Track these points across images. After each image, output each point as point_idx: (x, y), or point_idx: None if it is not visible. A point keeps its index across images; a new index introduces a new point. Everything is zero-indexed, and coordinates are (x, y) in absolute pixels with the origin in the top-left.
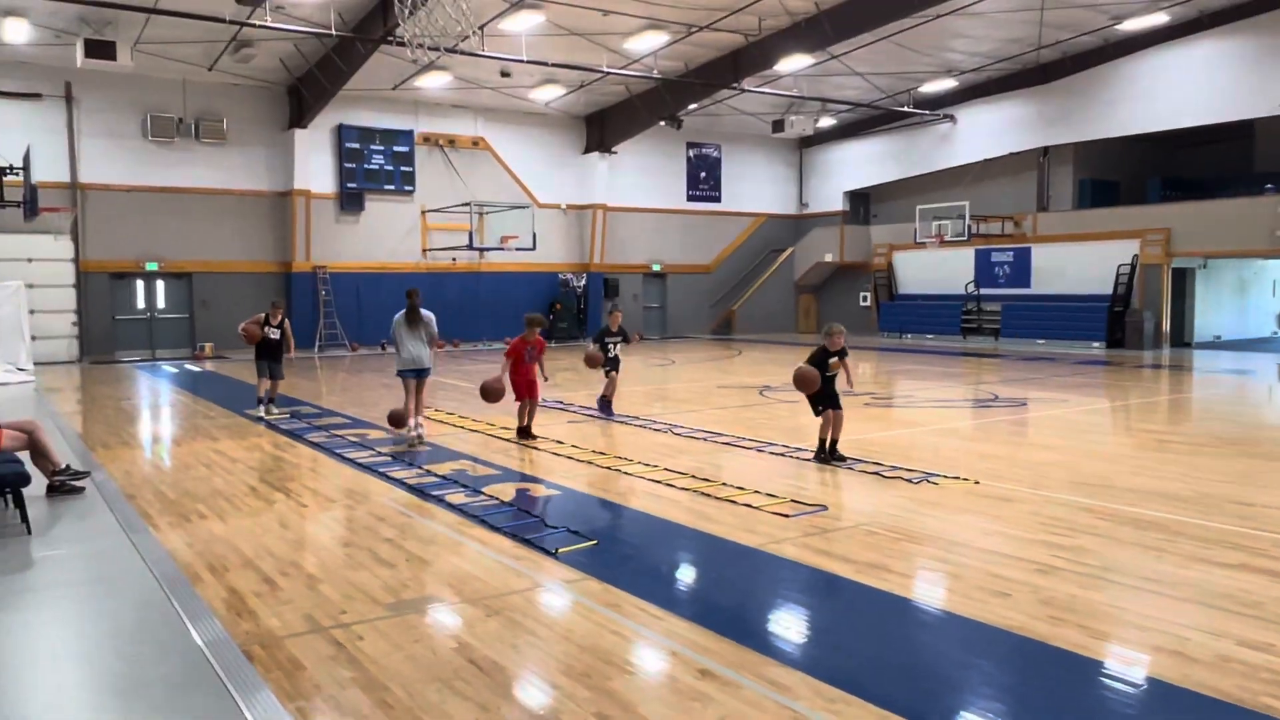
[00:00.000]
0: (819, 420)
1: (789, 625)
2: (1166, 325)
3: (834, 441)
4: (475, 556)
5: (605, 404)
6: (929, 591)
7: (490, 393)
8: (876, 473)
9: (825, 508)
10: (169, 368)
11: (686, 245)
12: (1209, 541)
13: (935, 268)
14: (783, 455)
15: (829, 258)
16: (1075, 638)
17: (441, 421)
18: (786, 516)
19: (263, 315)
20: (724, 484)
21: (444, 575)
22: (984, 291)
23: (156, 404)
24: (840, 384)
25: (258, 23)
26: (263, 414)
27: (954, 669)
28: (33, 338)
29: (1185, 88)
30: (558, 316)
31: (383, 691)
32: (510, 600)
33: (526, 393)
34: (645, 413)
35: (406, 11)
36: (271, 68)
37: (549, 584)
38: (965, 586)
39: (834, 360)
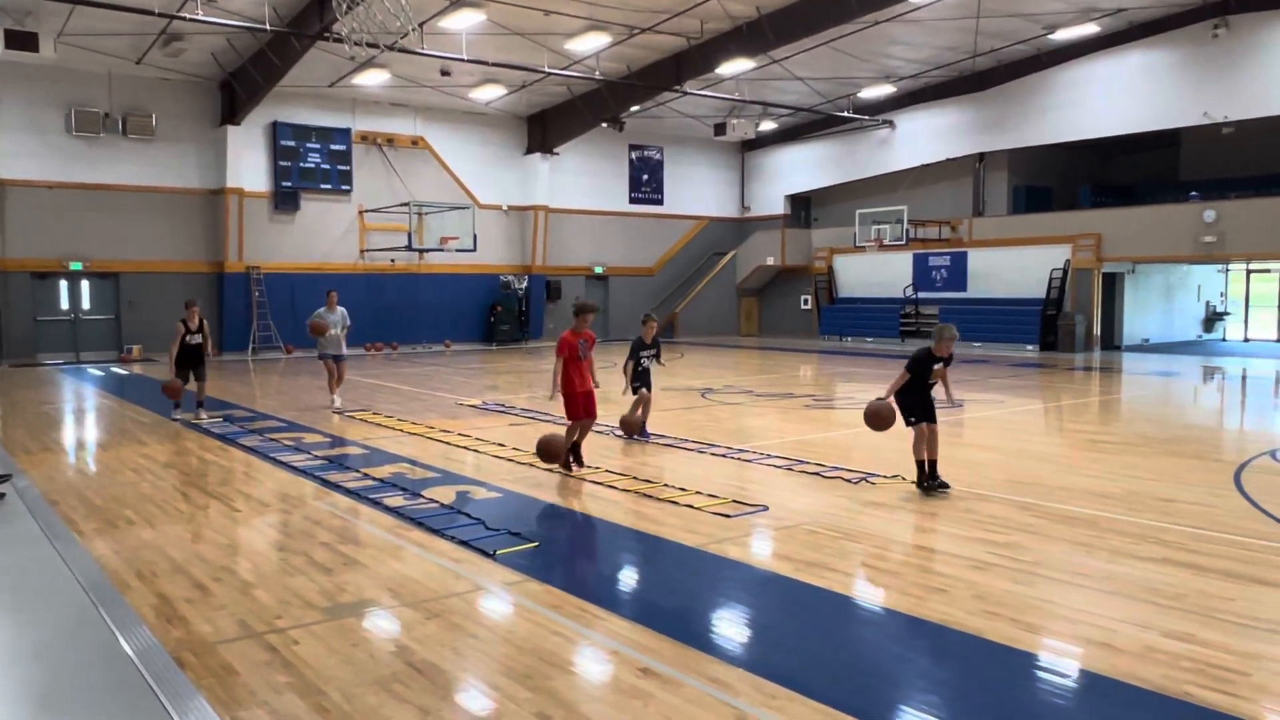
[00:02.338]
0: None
1: (730, 624)
2: (1097, 328)
3: (933, 462)
4: (414, 560)
5: (639, 426)
6: (868, 589)
7: (550, 452)
8: (817, 473)
9: (766, 508)
10: (95, 371)
11: (629, 248)
12: (1135, 537)
13: (875, 271)
14: (724, 456)
15: (770, 261)
16: (1009, 631)
17: (379, 425)
18: (728, 517)
19: (180, 325)
20: (666, 485)
21: (382, 579)
22: (922, 295)
23: (81, 408)
24: (938, 394)
25: (188, 16)
26: (178, 417)
27: (892, 663)
28: None
29: (1114, 97)
30: (498, 319)
31: (319, 696)
32: (450, 603)
33: (584, 412)
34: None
35: (344, 7)
36: (203, 62)
37: (489, 586)
38: (903, 583)
39: (937, 367)
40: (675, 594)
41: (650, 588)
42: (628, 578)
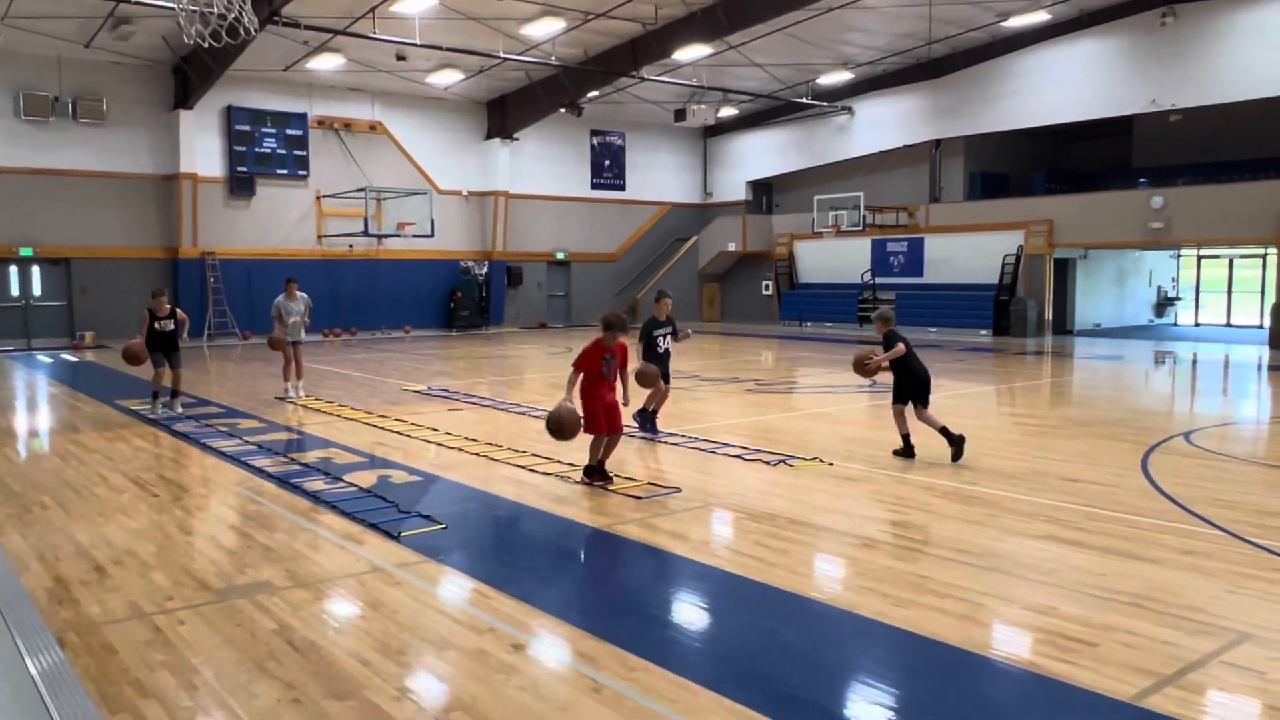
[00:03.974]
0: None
1: (609, 601)
2: (1049, 313)
3: (941, 429)
4: (318, 542)
5: (649, 418)
6: (752, 566)
7: (564, 426)
8: (739, 456)
9: (679, 490)
10: (44, 358)
11: (591, 233)
12: (1028, 515)
13: (834, 257)
14: (650, 440)
15: (732, 247)
16: (877, 605)
17: (318, 410)
18: (639, 498)
19: (146, 314)
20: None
21: (283, 561)
22: (879, 281)
23: (24, 395)
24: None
25: None
26: (159, 410)
27: (754, 637)
28: None
29: (1067, 84)
30: (458, 305)
31: (192, 674)
32: (343, 583)
33: (606, 426)
34: (527, 400)
35: None
36: (153, 45)
37: (387, 567)
38: (789, 561)
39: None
40: (566, 573)
41: (543, 568)
42: (523, 559)
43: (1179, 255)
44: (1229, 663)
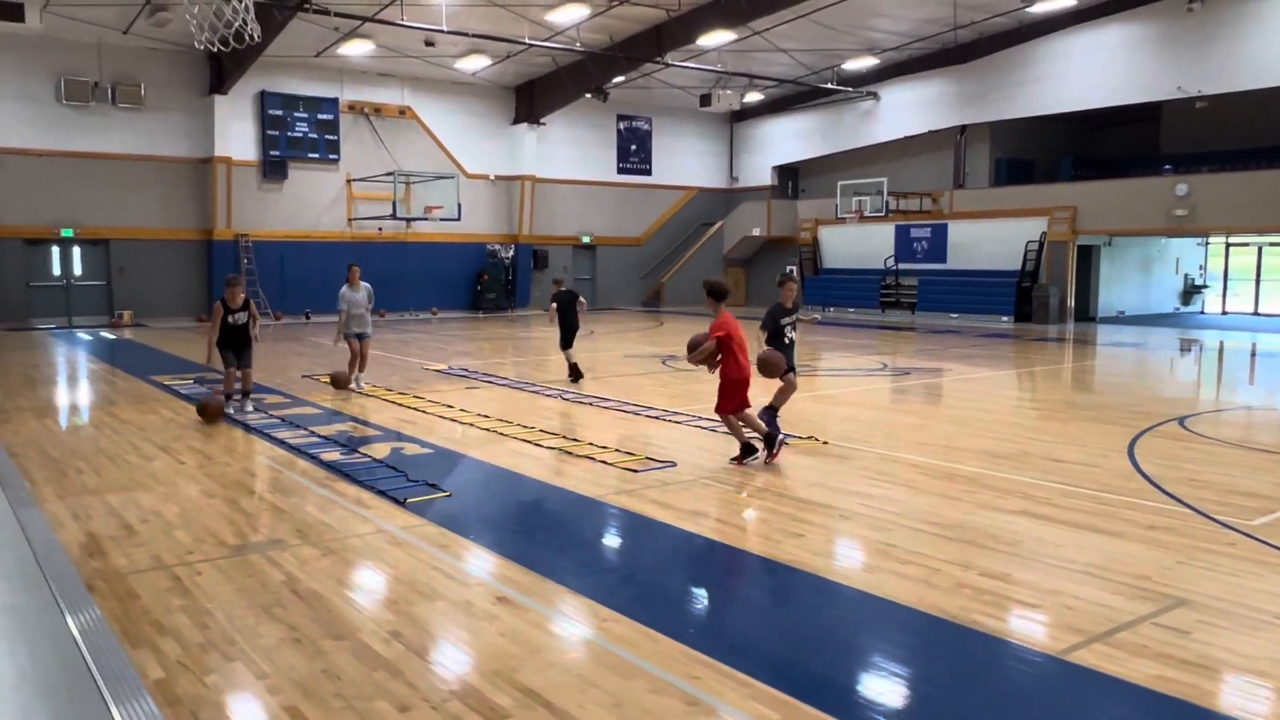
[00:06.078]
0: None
1: (592, 561)
2: (1071, 300)
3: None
4: (330, 506)
5: (773, 413)
6: (732, 534)
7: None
8: None
9: (674, 464)
10: (84, 335)
11: (617, 217)
12: (1005, 492)
13: (858, 242)
14: (658, 419)
15: (757, 232)
16: (845, 570)
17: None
18: (635, 471)
19: (219, 304)
20: (589, 443)
21: (295, 522)
22: (902, 266)
23: (64, 370)
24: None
25: None
26: (230, 411)
27: (720, 595)
28: None
29: (1094, 70)
30: (485, 287)
31: (205, 616)
32: (349, 542)
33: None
34: (543, 379)
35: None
36: (189, 32)
37: (390, 529)
38: (767, 529)
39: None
40: (557, 537)
41: (537, 531)
42: (520, 523)
43: (1207, 243)
44: (1159, 624)
